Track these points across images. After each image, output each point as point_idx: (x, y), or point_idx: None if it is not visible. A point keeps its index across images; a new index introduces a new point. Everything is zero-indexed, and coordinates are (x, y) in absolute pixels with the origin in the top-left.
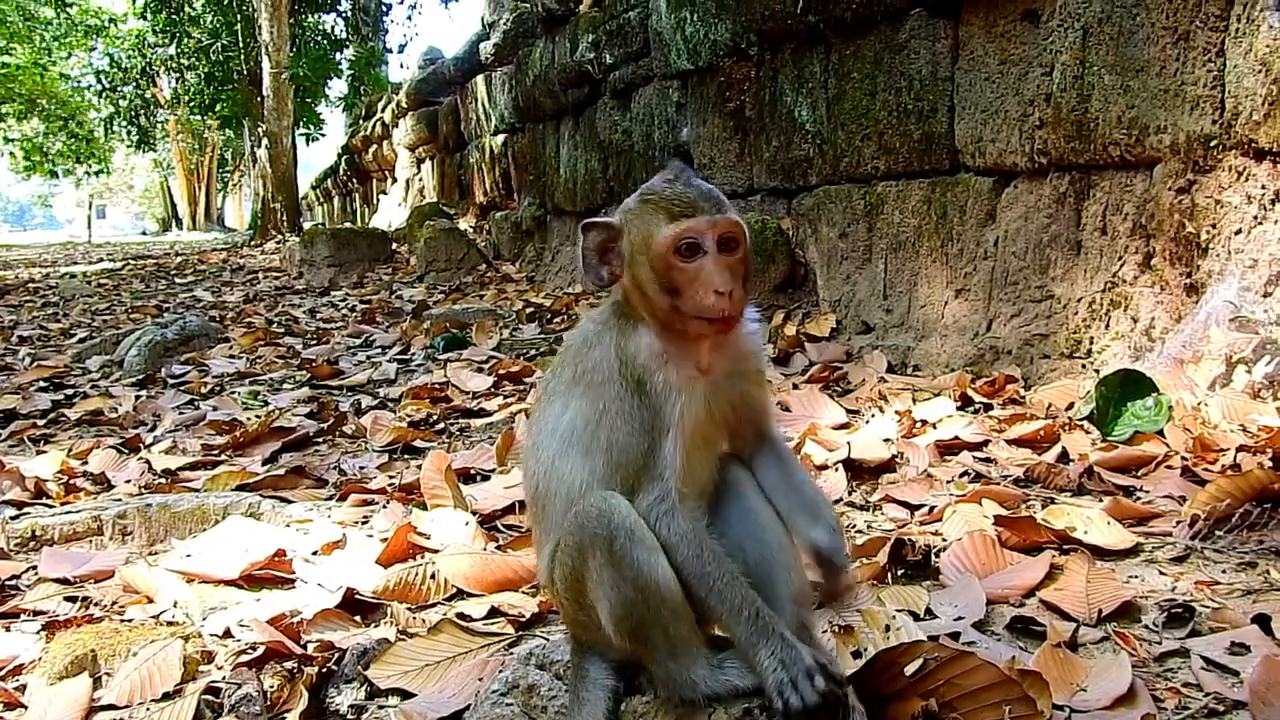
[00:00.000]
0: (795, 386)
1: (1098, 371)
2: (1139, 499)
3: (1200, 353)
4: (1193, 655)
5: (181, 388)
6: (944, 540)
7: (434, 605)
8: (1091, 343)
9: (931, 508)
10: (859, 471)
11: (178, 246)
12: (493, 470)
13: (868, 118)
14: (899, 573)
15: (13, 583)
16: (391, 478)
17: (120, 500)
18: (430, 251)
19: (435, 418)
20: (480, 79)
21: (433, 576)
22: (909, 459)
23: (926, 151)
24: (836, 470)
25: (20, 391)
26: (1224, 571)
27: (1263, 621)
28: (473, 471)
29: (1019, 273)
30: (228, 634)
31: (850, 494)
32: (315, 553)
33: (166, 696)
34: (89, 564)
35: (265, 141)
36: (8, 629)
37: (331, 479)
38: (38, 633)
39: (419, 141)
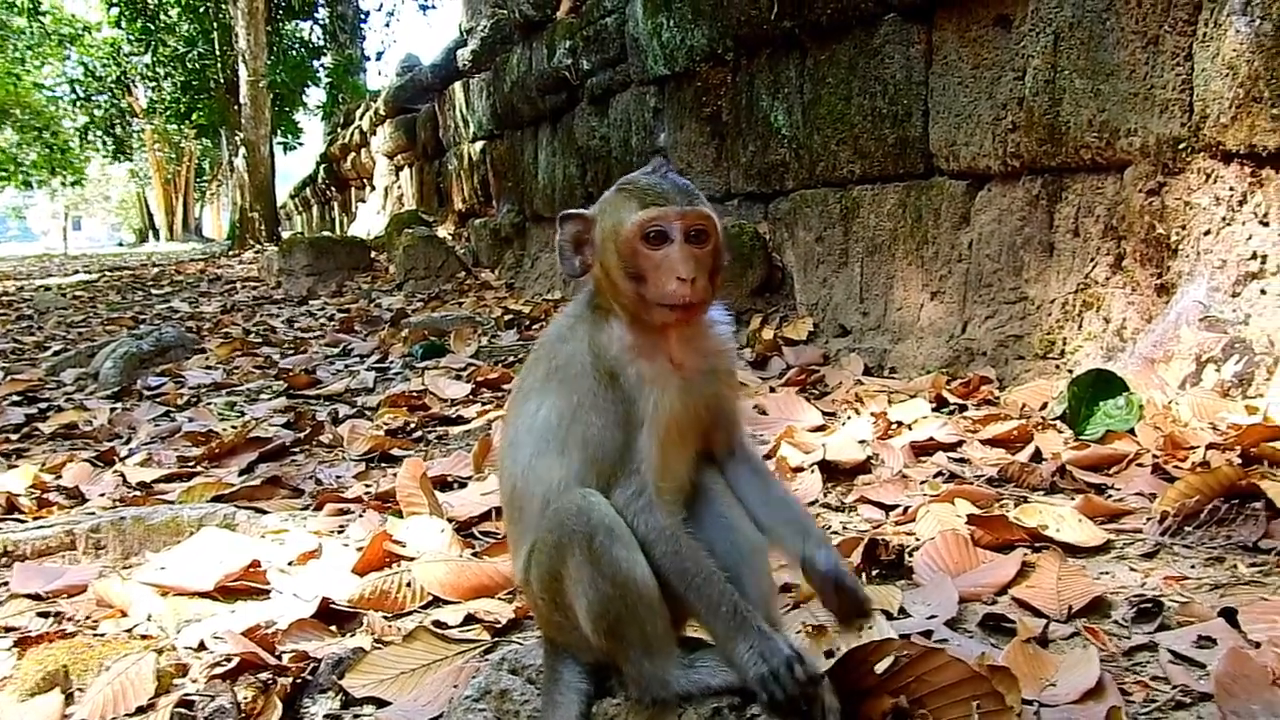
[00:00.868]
0: (772, 390)
1: (1071, 372)
2: (1110, 497)
3: (1171, 352)
4: (1161, 649)
5: (157, 399)
6: (918, 540)
7: (410, 613)
8: (1064, 343)
9: (906, 508)
10: (834, 473)
11: (155, 257)
12: (469, 477)
13: (843, 122)
14: (873, 572)
15: None
16: (368, 486)
17: (94, 514)
18: (409, 259)
19: (413, 426)
20: (458, 86)
21: (409, 584)
22: (884, 460)
23: (901, 155)
24: (812, 472)
25: None
26: (1193, 566)
27: (1229, 615)
28: (449, 479)
29: (993, 275)
30: (202, 646)
31: (825, 495)
32: (291, 563)
33: (140, 711)
34: (61, 579)
35: (243, 150)
36: None
37: (308, 489)
38: (9, 649)
39: (397, 149)
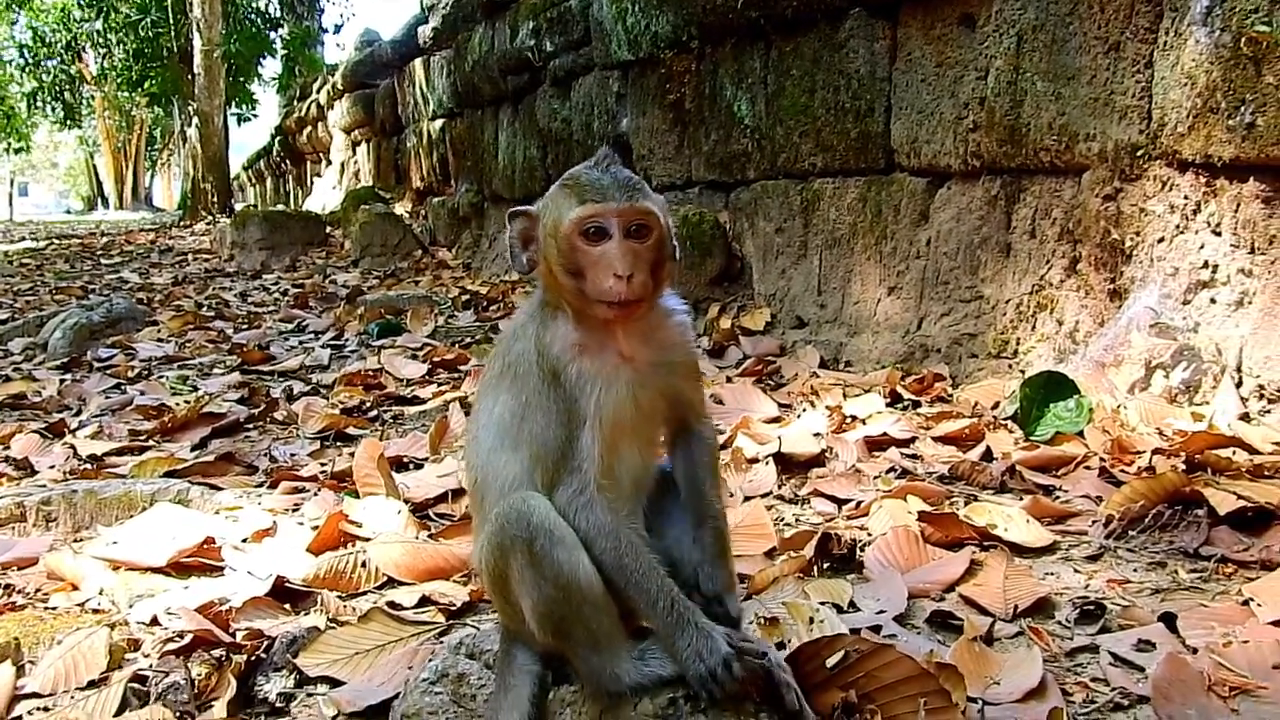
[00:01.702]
0: (729, 380)
1: (1023, 372)
2: (1058, 498)
3: (1121, 357)
4: (1102, 651)
5: (108, 371)
6: (869, 535)
7: (365, 593)
8: (1018, 343)
9: (858, 502)
10: (789, 465)
11: (104, 226)
12: (426, 458)
13: (806, 114)
14: (825, 566)
15: None
16: (323, 465)
17: (45, 486)
18: (365, 236)
19: (368, 405)
20: (418, 63)
21: (364, 565)
22: (838, 454)
23: (863, 150)
24: (767, 464)
25: None
26: (1135, 570)
27: (1169, 620)
28: (405, 460)
29: (950, 273)
30: (155, 622)
31: (780, 487)
32: (245, 540)
33: (92, 685)
34: (12, 550)
35: (196, 120)
36: None
37: (262, 466)
38: None
39: (355, 124)
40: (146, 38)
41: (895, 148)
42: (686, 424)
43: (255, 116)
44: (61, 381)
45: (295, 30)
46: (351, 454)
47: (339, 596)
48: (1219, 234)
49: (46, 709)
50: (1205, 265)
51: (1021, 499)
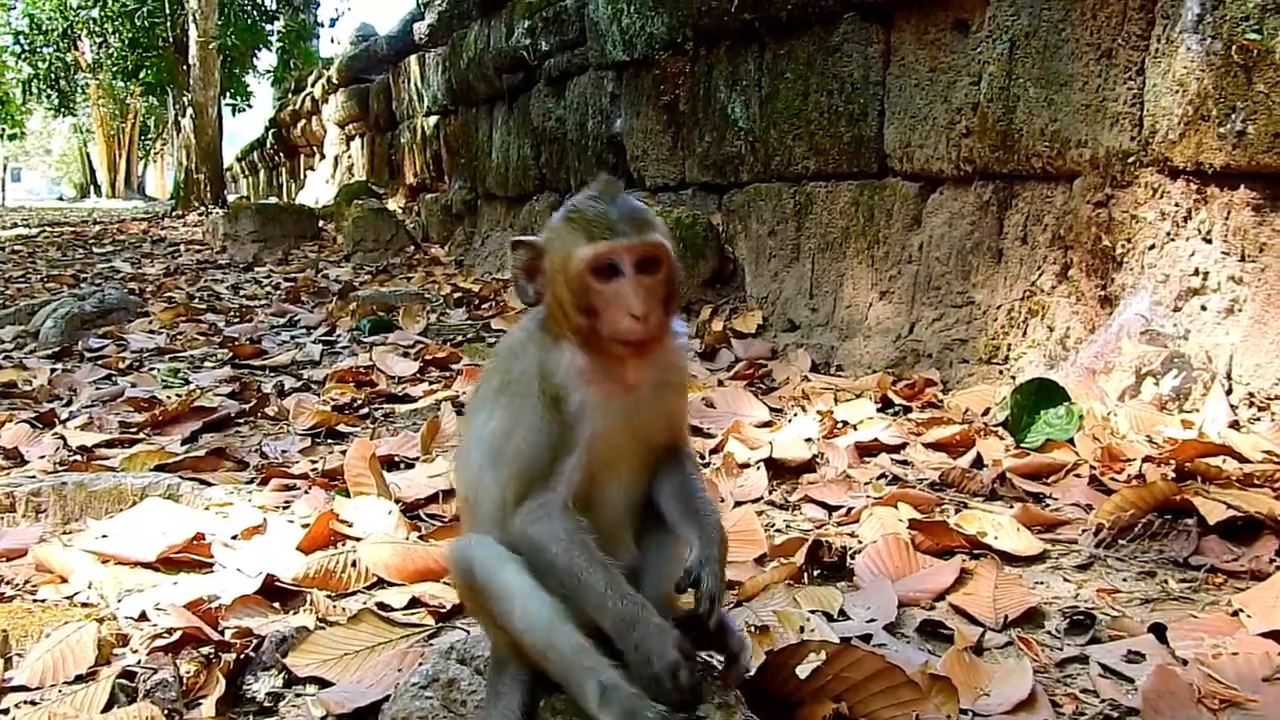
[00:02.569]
0: (721, 383)
1: (1014, 378)
2: (1048, 506)
3: (1111, 364)
4: (1092, 662)
5: (99, 362)
6: (860, 542)
7: (354, 594)
8: (1009, 349)
9: (849, 509)
10: (780, 470)
11: (96, 214)
12: (417, 458)
13: (800, 118)
14: (815, 573)
15: None
16: (314, 462)
17: (34, 477)
18: (358, 231)
19: (360, 402)
20: (414, 59)
21: (354, 565)
22: (829, 459)
23: (856, 154)
24: (758, 469)
25: None
26: (1125, 580)
27: (1158, 631)
28: (397, 459)
29: (942, 278)
30: (143, 617)
31: (771, 493)
32: (235, 537)
33: (80, 679)
34: (1, 541)
35: (190, 111)
36: None
37: (253, 461)
38: None
39: (349, 119)
40: (142, 27)
41: (888, 152)
42: (674, 443)
43: (250, 108)
44: (52, 371)
45: (291, 23)
46: (343, 452)
47: (328, 596)
48: (1210, 241)
49: (34, 703)
50: (1196, 272)
51: (1012, 506)
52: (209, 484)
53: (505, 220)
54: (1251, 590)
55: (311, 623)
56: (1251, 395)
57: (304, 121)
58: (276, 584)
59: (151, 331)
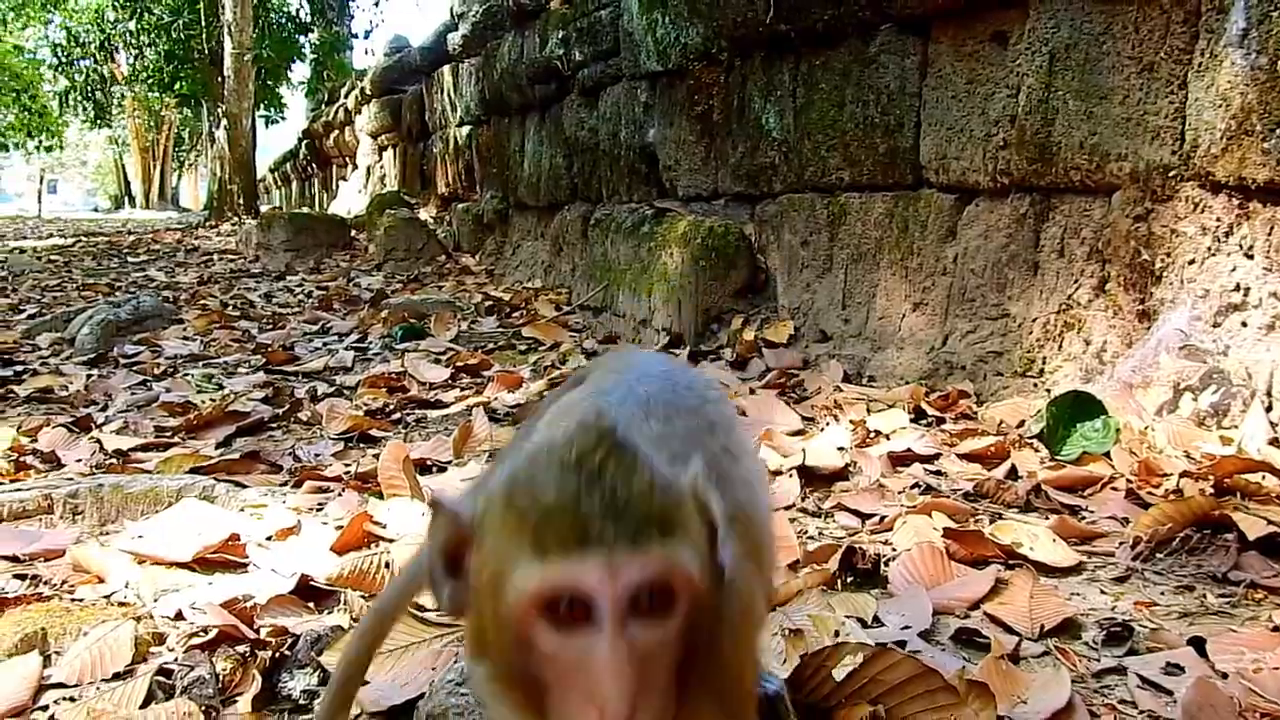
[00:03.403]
0: (752, 391)
1: (1049, 391)
2: (1084, 518)
3: (1149, 378)
4: (1129, 673)
5: (134, 368)
6: (893, 550)
7: None
8: (1044, 362)
9: (882, 517)
10: (813, 478)
11: (131, 225)
12: (449, 462)
13: (834, 129)
14: (848, 580)
15: None
16: (347, 466)
17: (71, 479)
18: (390, 240)
19: (392, 407)
20: (447, 69)
21: (387, 565)
22: (862, 468)
23: (891, 165)
24: (791, 476)
25: None
26: (1162, 593)
27: (1198, 644)
28: (429, 462)
29: (976, 290)
30: (180, 616)
31: (803, 500)
32: (269, 538)
33: (118, 676)
34: (39, 542)
35: (224, 122)
36: None
37: (286, 465)
38: None
39: (382, 129)
40: (178, 40)
41: (924, 164)
42: None
43: (283, 119)
44: (88, 377)
45: (325, 35)
46: (375, 455)
47: (362, 596)
48: (1251, 256)
49: (72, 699)
50: (1236, 288)
51: (1047, 518)
52: (244, 486)
53: (537, 230)
54: None
55: (346, 622)
56: None
57: (337, 132)
58: (311, 584)
59: (186, 338)
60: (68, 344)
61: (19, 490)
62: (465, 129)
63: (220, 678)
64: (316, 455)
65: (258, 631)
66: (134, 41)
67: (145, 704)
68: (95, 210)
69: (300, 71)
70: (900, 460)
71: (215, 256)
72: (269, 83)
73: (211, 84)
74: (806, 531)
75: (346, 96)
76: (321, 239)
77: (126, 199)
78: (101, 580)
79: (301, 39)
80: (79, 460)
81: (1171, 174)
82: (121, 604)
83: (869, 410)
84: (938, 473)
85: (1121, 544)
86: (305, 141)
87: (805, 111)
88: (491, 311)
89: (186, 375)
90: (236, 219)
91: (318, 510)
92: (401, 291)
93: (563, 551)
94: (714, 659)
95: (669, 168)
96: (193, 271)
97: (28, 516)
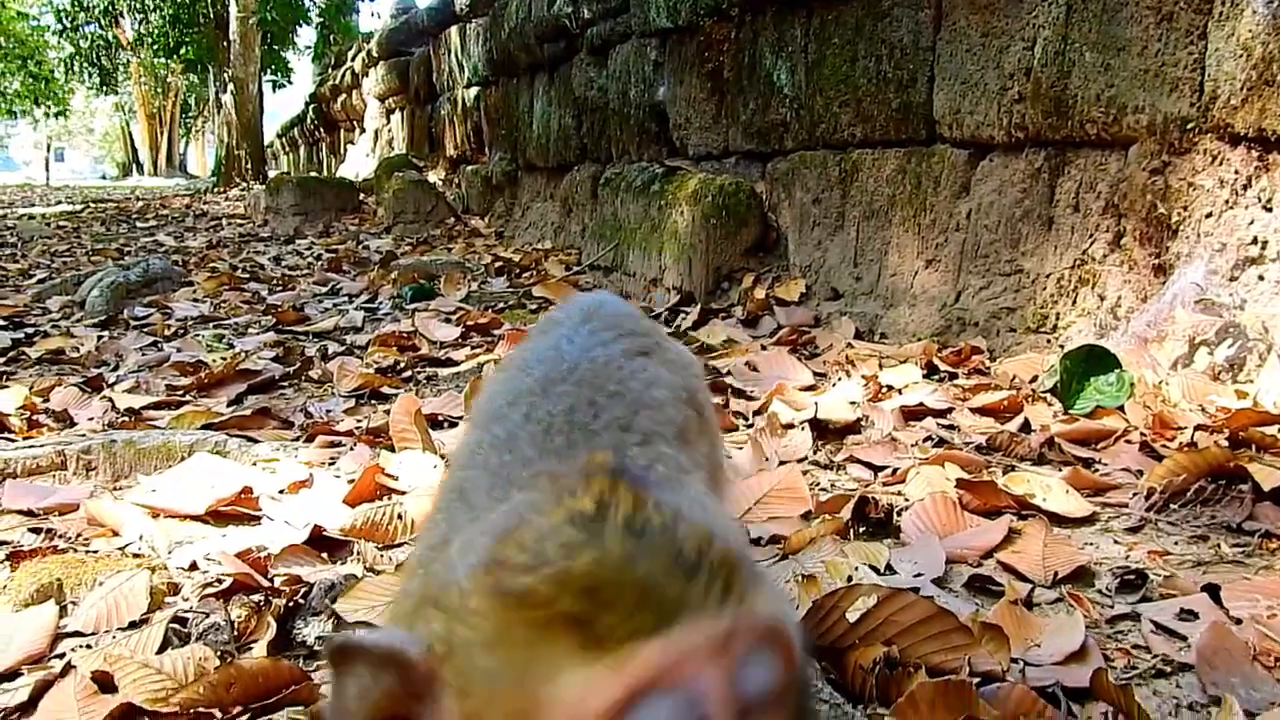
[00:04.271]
0: (764, 348)
1: (1062, 346)
2: (1097, 470)
3: (1164, 332)
4: (1143, 619)
5: (144, 329)
6: (906, 500)
7: (401, 545)
8: (1058, 318)
9: (895, 469)
10: (825, 432)
11: (139, 191)
12: (461, 417)
13: (846, 84)
14: (861, 529)
15: None
16: (359, 421)
17: (84, 436)
18: (398, 203)
19: (402, 365)
20: (454, 30)
21: (400, 516)
22: (874, 422)
23: (904, 121)
24: (803, 429)
25: None
26: (1176, 543)
27: (1212, 591)
28: (441, 417)
29: (990, 246)
30: (194, 567)
31: (815, 453)
32: (282, 491)
33: (133, 625)
34: (53, 496)
35: (231, 87)
36: None
37: (298, 421)
38: (2, 561)
39: (389, 92)
40: (183, 4)
41: (937, 119)
42: None
43: (290, 84)
44: (99, 338)
45: None
46: (386, 411)
47: (376, 547)
48: (1270, 209)
49: (89, 647)
50: (1254, 241)
51: (1060, 470)
52: (256, 441)
53: (546, 191)
54: None
55: (359, 571)
56: None
57: (344, 96)
58: (324, 535)
59: (195, 300)
60: (78, 307)
61: (33, 447)
62: (473, 90)
63: (235, 625)
64: (328, 411)
65: (271, 581)
66: (139, 6)
67: (161, 650)
68: (103, 178)
69: (306, 35)
70: (912, 414)
71: (224, 221)
72: (275, 47)
73: (217, 49)
74: (819, 483)
75: (353, 60)
76: (330, 203)
77: (134, 166)
78: (116, 533)
79: (307, 2)
80: (91, 419)
81: (1189, 126)
82: (136, 555)
83: (881, 366)
84: (950, 426)
85: (1135, 495)
86: (312, 106)
87: (817, 67)
88: (501, 272)
89: (197, 335)
90: (244, 184)
91: (330, 464)
92: (411, 253)
93: (635, 634)
94: None
95: (679, 126)
96: (201, 236)
97: (42, 472)
